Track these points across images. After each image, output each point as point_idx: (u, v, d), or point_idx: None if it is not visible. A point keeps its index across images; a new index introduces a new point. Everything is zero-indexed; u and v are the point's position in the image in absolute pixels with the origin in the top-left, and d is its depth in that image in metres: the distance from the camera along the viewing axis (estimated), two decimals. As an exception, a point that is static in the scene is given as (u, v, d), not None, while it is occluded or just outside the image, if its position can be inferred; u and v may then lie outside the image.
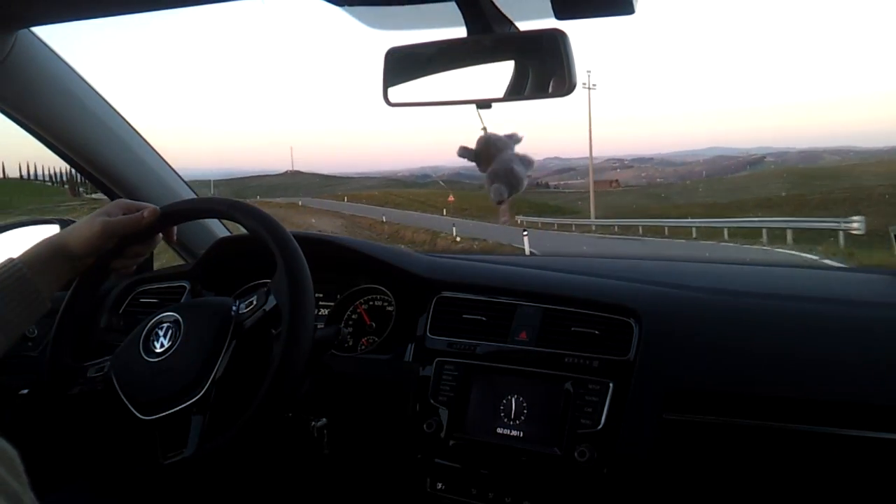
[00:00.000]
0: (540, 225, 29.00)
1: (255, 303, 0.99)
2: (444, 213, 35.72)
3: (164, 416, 0.94)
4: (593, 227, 25.57)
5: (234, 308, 1.00)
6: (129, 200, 1.06)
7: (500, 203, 1.07)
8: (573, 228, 26.38)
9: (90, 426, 1.02)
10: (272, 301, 0.97)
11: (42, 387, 1.04)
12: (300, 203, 43.86)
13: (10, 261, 0.94)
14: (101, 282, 1.10)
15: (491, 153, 1.07)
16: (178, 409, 0.94)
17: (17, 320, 0.92)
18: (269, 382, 0.91)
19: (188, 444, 0.93)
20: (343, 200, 48.97)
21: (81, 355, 1.07)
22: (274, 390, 0.90)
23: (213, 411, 0.94)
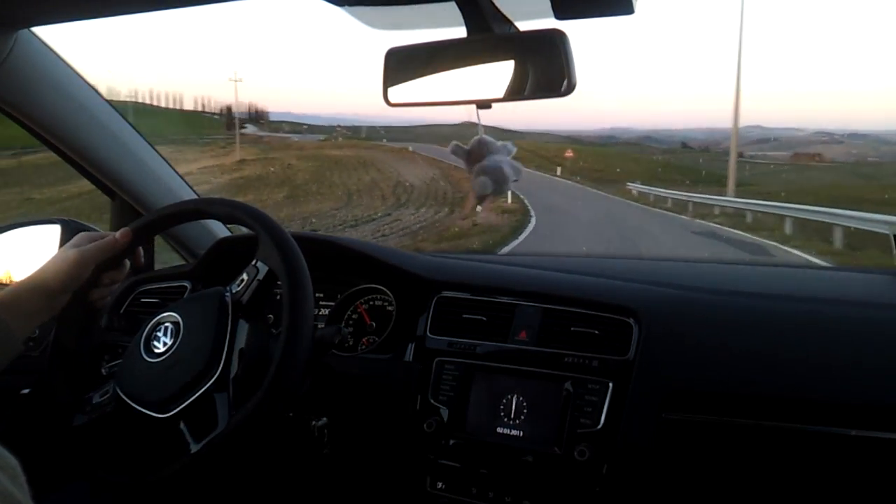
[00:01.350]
0: (652, 199, 20.98)
1: (246, 279, 0.99)
2: (559, 172, 33.02)
3: (184, 406, 0.93)
4: (716, 212, 16.31)
5: (226, 292, 1.00)
6: (91, 232, 1.05)
7: (482, 199, 1.08)
8: (689, 209, 17.27)
9: (108, 446, 1.02)
10: (263, 269, 0.98)
11: (42, 376, 1.03)
12: (410, 148, 41.43)
13: None
14: (82, 316, 1.08)
15: (482, 153, 1.07)
16: (197, 394, 0.93)
17: None
18: (263, 392, 0.90)
19: (218, 422, 0.92)
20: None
21: (82, 387, 1.06)
22: (268, 399, 0.90)
23: (235, 386, 0.94)
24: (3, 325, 0.91)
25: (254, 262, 0.99)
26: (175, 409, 0.94)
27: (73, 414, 1.02)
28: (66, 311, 1.03)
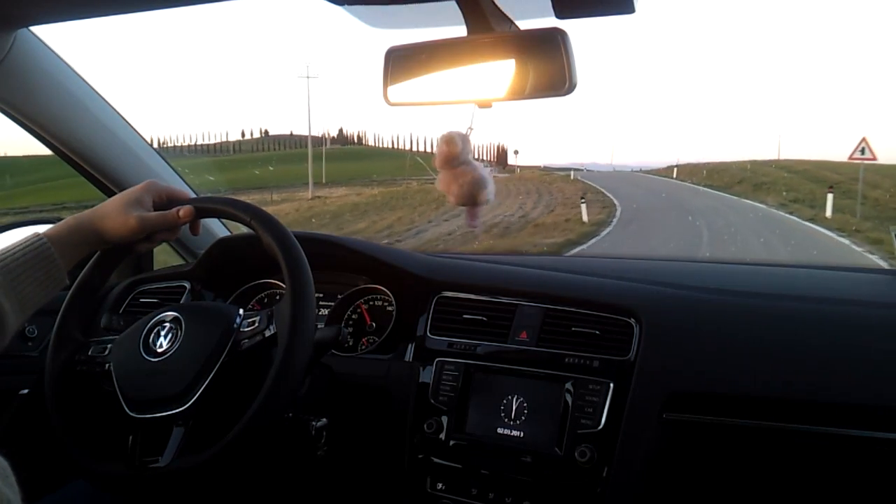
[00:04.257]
0: None
1: (256, 325, 0.98)
2: (828, 209, 14.31)
3: (149, 418, 0.94)
4: None
5: (236, 321, 0.99)
6: (160, 184, 1.05)
7: (476, 205, 1.06)
8: None
9: (80, 407, 1.03)
10: (272, 329, 0.97)
11: (42, 376, 1.04)
12: (571, 176, 35.42)
13: (37, 236, 0.93)
14: (121, 260, 1.10)
15: (468, 152, 1.06)
16: (163, 414, 0.94)
17: (38, 297, 0.91)
18: (263, 394, 0.91)
19: (164, 454, 0.93)
20: (672, 176, 36.71)
21: (88, 332, 1.08)
22: (268, 400, 0.91)
23: (193, 426, 0.94)
24: (54, 259, 0.92)
25: (269, 313, 0.98)
26: (141, 415, 0.95)
27: (72, 354, 1.04)
28: (105, 254, 1.06)
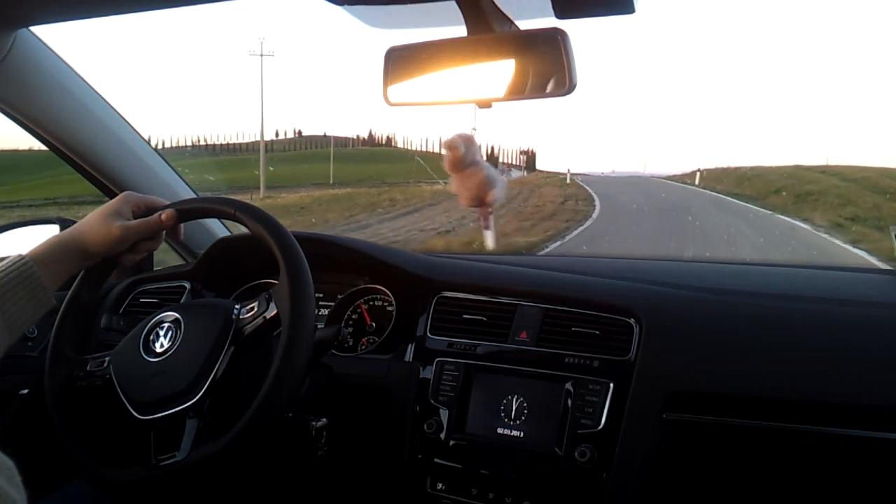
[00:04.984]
0: None
1: (255, 309, 0.99)
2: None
3: (159, 417, 0.94)
4: None
5: (235, 311, 1.00)
6: (136, 195, 1.05)
7: (489, 205, 1.06)
8: None
9: (87, 421, 1.03)
10: (273, 308, 0.97)
11: (42, 377, 1.05)
12: (568, 180, 29.84)
13: (20, 257, 0.93)
14: (108, 274, 1.10)
15: (474, 153, 1.06)
16: (174, 410, 0.94)
17: (24, 318, 0.91)
18: (263, 393, 0.91)
19: (181, 448, 0.93)
20: (694, 182, 29.38)
21: (82, 349, 1.08)
22: (268, 400, 0.91)
23: (207, 416, 0.95)
24: (38, 279, 0.92)
25: (267, 296, 0.99)
26: (151, 415, 0.95)
27: (69, 374, 1.04)
28: (90, 270, 1.06)
